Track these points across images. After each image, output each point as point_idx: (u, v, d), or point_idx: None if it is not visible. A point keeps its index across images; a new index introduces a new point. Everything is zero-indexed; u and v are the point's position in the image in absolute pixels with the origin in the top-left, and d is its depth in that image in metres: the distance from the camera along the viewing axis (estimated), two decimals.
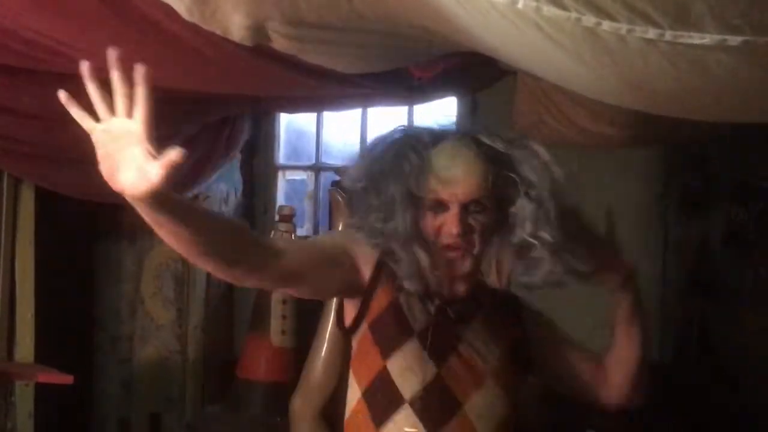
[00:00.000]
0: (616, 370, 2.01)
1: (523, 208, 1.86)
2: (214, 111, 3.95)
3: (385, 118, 4.54)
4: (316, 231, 4.74)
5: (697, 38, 1.37)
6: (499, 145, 1.88)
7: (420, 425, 1.80)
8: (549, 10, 1.43)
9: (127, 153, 1.46)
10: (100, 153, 1.48)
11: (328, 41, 2.29)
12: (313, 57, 2.47)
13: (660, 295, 3.73)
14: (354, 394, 1.89)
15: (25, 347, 3.91)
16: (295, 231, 4.15)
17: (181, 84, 2.97)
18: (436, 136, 1.91)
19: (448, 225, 1.83)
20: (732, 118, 2.10)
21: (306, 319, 3.84)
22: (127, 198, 1.49)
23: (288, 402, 3.64)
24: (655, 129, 2.97)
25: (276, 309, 3.96)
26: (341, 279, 1.88)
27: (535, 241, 1.84)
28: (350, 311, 1.92)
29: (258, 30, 2.18)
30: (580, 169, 3.93)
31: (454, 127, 2.02)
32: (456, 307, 1.91)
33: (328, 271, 1.86)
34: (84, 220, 4.49)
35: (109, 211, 4.51)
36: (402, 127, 1.98)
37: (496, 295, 1.98)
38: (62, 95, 1.50)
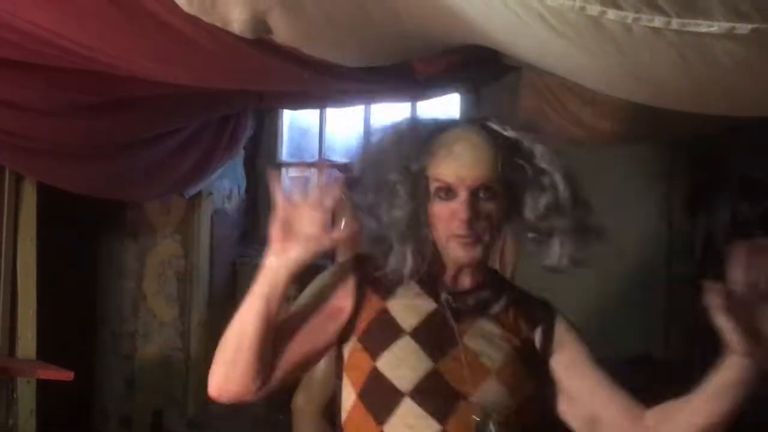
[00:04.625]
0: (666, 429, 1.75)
1: (534, 195, 1.81)
2: (217, 107, 3.93)
3: (389, 115, 4.51)
4: None
5: (704, 26, 1.34)
6: (509, 132, 1.82)
7: (426, 415, 1.74)
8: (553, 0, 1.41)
9: (304, 228, 1.72)
10: (280, 222, 1.72)
11: (330, 34, 2.27)
12: (314, 50, 2.45)
13: (665, 291, 3.70)
14: (349, 397, 1.85)
15: (26, 344, 3.89)
16: None
17: (183, 79, 2.95)
18: (443, 124, 1.86)
19: (458, 212, 1.77)
20: (741, 111, 2.06)
21: None
22: (286, 258, 1.73)
23: (290, 399, 3.61)
24: (660, 124, 2.94)
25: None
26: (334, 333, 1.85)
27: (547, 228, 1.80)
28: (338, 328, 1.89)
29: (258, 22, 2.16)
30: (585, 165, 3.91)
31: (460, 118, 1.96)
32: (459, 300, 1.84)
33: (320, 343, 1.84)
34: (86, 217, 4.48)
35: (111, 208, 4.51)
36: (407, 117, 1.95)
37: (516, 292, 1.91)
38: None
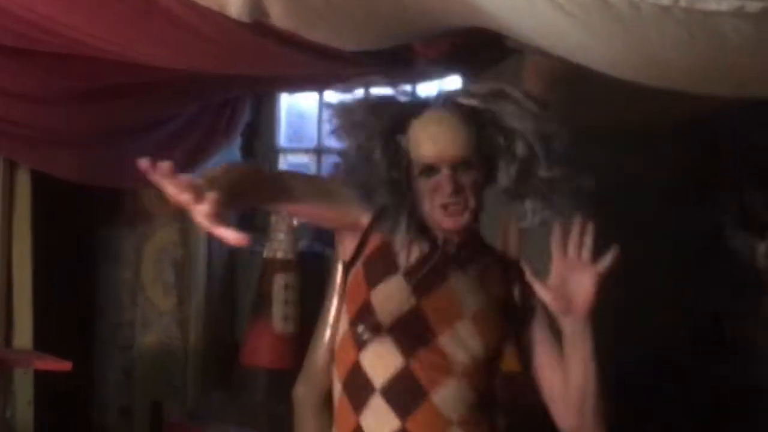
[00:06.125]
0: (564, 394, 1.99)
1: (506, 161, 2.00)
2: (214, 92, 3.90)
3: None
4: None
5: (713, 4, 1.33)
6: (476, 103, 2.01)
7: (395, 350, 1.94)
8: None
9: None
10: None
11: (329, 17, 2.23)
12: (312, 33, 2.41)
13: (671, 282, 3.66)
14: (342, 326, 2.05)
15: (23, 335, 3.88)
16: None
17: (179, 63, 2.92)
18: (417, 106, 2.05)
19: (442, 186, 1.95)
20: (748, 92, 2.03)
21: (309, 305, 3.79)
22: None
23: (291, 389, 3.59)
24: (669, 108, 2.90)
25: (278, 294, 3.90)
26: (340, 216, 2.06)
27: (520, 190, 1.99)
28: (348, 247, 2.08)
29: (255, 5, 2.14)
30: (590, 152, 3.86)
31: (430, 96, 2.11)
32: (450, 248, 2.01)
33: (330, 208, 2.06)
34: (82, 206, 4.44)
35: (108, 196, 4.47)
36: (386, 96, 2.11)
37: (498, 255, 2.13)
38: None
